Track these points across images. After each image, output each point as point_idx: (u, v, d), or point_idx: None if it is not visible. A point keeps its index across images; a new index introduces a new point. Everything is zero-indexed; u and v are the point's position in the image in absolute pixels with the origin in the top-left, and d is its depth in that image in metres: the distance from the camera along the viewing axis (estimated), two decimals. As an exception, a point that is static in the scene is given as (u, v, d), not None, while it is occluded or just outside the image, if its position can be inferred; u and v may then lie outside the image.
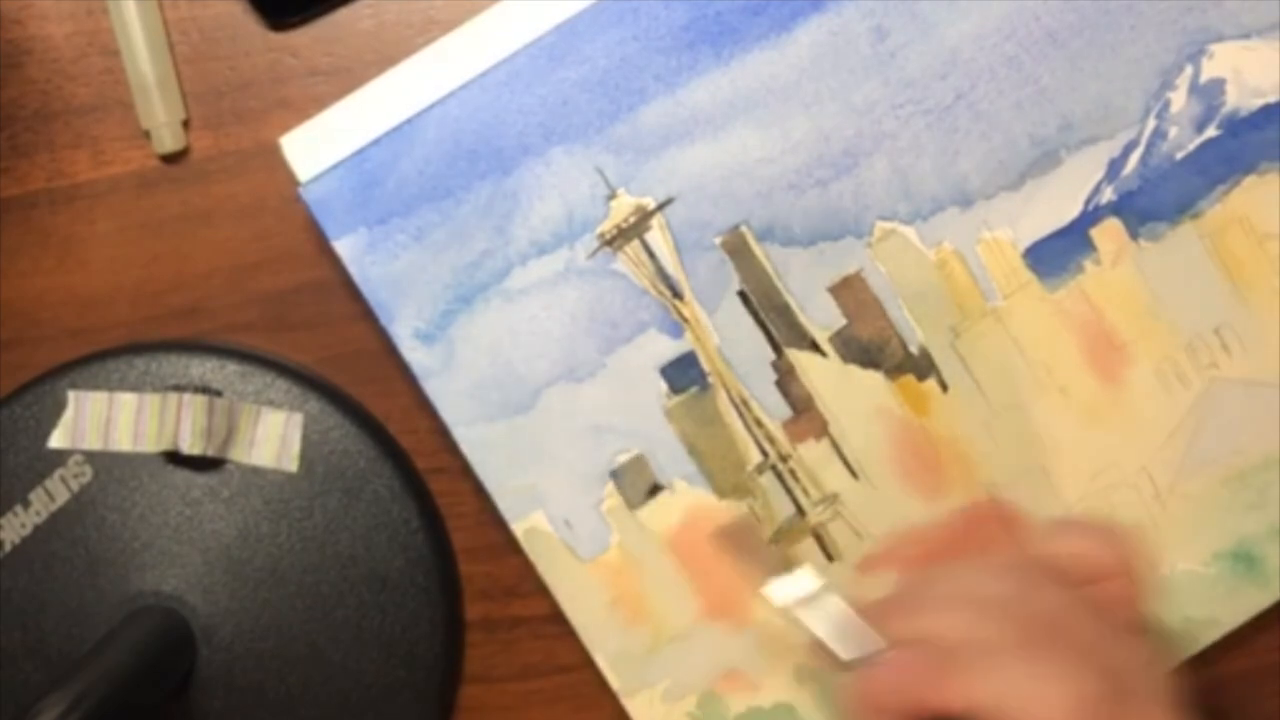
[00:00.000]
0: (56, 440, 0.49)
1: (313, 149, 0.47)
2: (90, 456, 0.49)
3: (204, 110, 0.50)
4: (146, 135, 0.50)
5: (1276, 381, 0.48)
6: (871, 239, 0.47)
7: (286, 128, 0.47)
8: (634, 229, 0.47)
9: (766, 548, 0.47)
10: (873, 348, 0.48)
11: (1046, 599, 0.39)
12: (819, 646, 0.39)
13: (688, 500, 0.48)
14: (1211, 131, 0.47)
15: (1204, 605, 0.48)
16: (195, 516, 0.49)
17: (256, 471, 0.49)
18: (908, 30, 0.47)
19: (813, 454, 0.48)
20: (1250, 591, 0.48)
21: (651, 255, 0.47)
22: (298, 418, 0.49)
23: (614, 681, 0.48)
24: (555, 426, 0.47)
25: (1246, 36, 0.47)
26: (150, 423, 0.48)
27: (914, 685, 0.37)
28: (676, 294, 0.47)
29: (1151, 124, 0.47)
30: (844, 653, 0.39)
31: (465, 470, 0.48)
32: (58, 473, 0.49)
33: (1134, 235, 0.47)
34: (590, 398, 0.47)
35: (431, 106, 0.46)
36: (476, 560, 0.50)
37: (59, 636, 0.48)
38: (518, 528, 0.48)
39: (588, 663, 0.48)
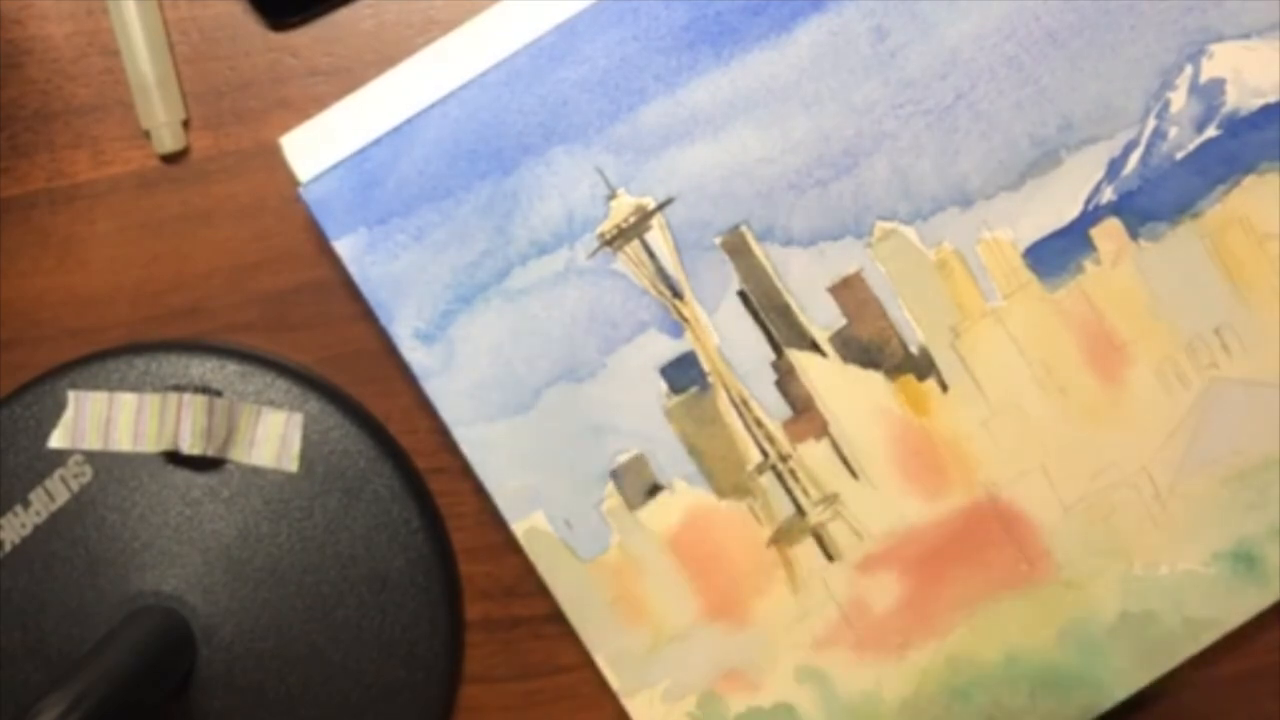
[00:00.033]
0: (56, 440, 0.49)
1: (313, 149, 0.47)
2: (90, 456, 0.49)
3: (204, 110, 0.50)
4: (146, 135, 0.50)
5: (1276, 381, 0.48)
6: (871, 239, 0.47)
7: (286, 128, 0.47)
8: (634, 229, 0.47)
9: None
10: (873, 348, 0.48)
11: None
12: None
13: (688, 500, 0.48)
14: (1211, 131, 0.47)
15: (1204, 605, 0.48)
16: (195, 516, 0.49)
17: (256, 471, 0.49)
18: (908, 30, 0.47)
19: (813, 454, 0.48)
20: (1250, 591, 0.48)
21: (651, 255, 0.47)
22: (298, 418, 0.49)
23: (614, 681, 0.48)
24: (555, 426, 0.47)
25: (1246, 36, 0.47)
26: (150, 423, 0.48)
27: None
28: (676, 294, 0.47)
29: (1151, 124, 0.47)
30: None
31: (465, 470, 0.48)
32: (58, 473, 0.49)
33: (1134, 235, 0.47)
34: (590, 398, 0.47)
35: (431, 106, 0.46)
36: (476, 560, 0.50)
37: (59, 636, 0.48)
38: (518, 528, 0.48)
39: (588, 663, 0.48)
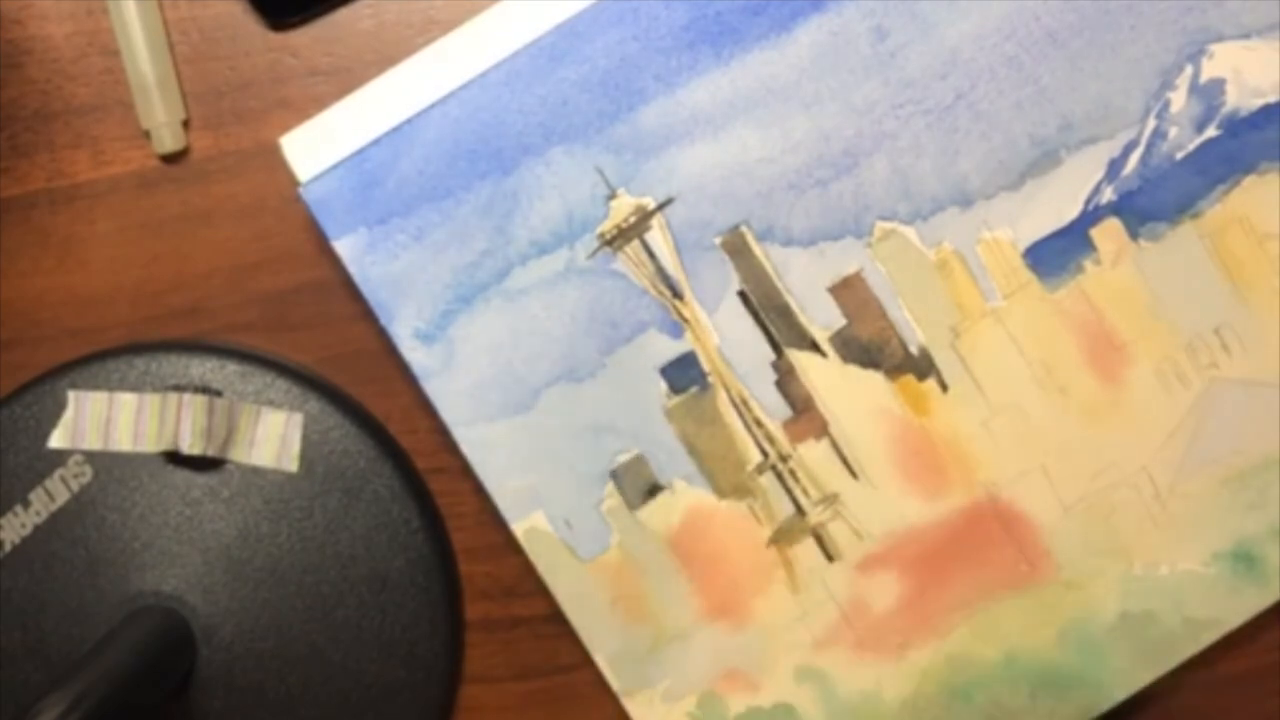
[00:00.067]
0: (56, 440, 0.49)
1: (313, 149, 0.47)
2: (90, 456, 0.49)
3: (204, 110, 0.50)
4: (146, 135, 0.50)
5: (1276, 381, 0.48)
6: (871, 239, 0.47)
7: (286, 128, 0.47)
8: (634, 229, 0.47)
9: None
10: (873, 348, 0.48)
11: None
12: None
13: (688, 500, 0.48)
14: (1211, 131, 0.47)
15: (1204, 605, 0.48)
16: (195, 516, 0.49)
17: (256, 471, 0.49)
18: (908, 30, 0.47)
19: (813, 454, 0.48)
20: (1250, 591, 0.48)
21: (651, 255, 0.47)
22: (298, 418, 0.49)
23: (614, 681, 0.48)
24: (555, 426, 0.47)
25: (1246, 36, 0.47)
26: (150, 423, 0.48)
27: None
28: (676, 294, 0.47)
29: (1151, 124, 0.47)
30: None
31: (465, 470, 0.48)
32: (58, 473, 0.49)
33: (1134, 235, 0.47)
34: (590, 398, 0.47)
35: (431, 106, 0.46)
36: (476, 560, 0.50)
37: (59, 636, 0.48)
38: (518, 528, 0.48)
39: (588, 663, 0.48)
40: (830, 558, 0.48)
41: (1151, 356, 0.48)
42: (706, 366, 0.47)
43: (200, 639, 0.48)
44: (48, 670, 0.48)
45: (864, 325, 0.47)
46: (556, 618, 0.48)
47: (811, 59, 0.47)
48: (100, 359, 0.49)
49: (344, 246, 0.47)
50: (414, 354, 0.47)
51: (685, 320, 0.47)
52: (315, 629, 0.49)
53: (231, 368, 0.49)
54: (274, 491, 0.49)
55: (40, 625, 0.48)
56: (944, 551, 0.48)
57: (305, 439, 0.49)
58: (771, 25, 0.47)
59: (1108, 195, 0.47)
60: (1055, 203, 0.47)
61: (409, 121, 0.46)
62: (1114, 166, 0.47)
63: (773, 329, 0.47)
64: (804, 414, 0.48)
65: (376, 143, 0.46)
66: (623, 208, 0.47)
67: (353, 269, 0.47)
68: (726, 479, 0.48)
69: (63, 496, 0.49)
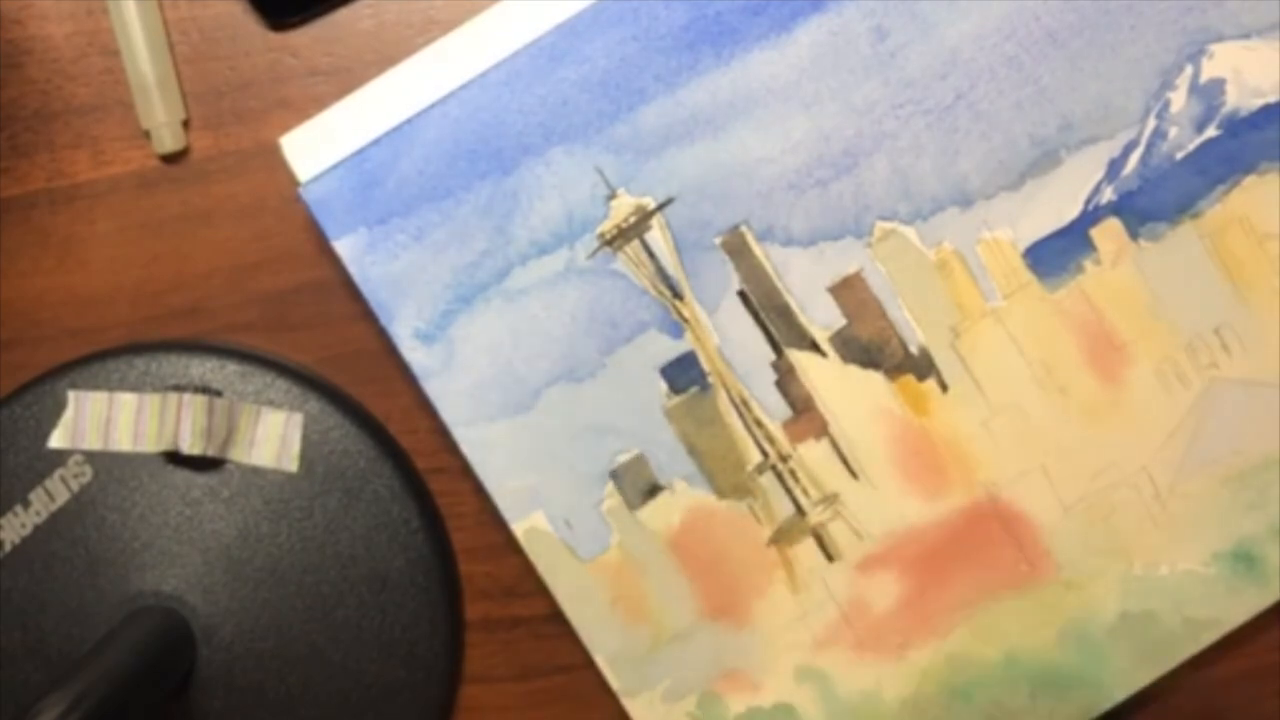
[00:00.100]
0: (56, 440, 0.49)
1: (313, 149, 0.47)
2: (90, 456, 0.49)
3: (204, 110, 0.50)
4: (146, 135, 0.50)
5: (1276, 381, 0.48)
6: (871, 239, 0.47)
7: (286, 128, 0.47)
8: (634, 229, 0.47)
9: None
10: (873, 348, 0.48)
11: None
12: None
13: (688, 500, 0.48)
14: (1211, 131, 0.47)
15: (1204, 605, 0.48)
16: (195, 516, 0.49)
17: (256, 471, 0.49)
18: (908, 30, 0.47)
19: (813, 454, 0.48)
20: (1250, 591, 0.48)
21: (651, 255, 0.47)
22: (298, 418, 0.49)
23: (614, 681, 0.48)
24: (555, 426, 0.47)
25: (1246, 36, 0.47)
26: (150, 423, 0.48)
27: None
28: (676, 294, 0.47)
29: (1151, 124, 0.47)
30: None
31: (465, 470, 0.48)
32: (58, 473, 0.49)
33: (1134, 235, 0.47)
34: (590, 398, 0.47)
35: (431, 106, 0.46)
36: (476, 560, 0.50)
37: (59, 636, 0.48)
38: (518, 528, 0.48)
39: (588, 663, 0.48)
40: (830, 558, 0.48)
41: (1151, 356, 0.48)
42: (706, 366, 0.47)
43: (200, 639, 0.48)
44: (48, 670, 0.48)
45: (864, 325, 0.47)
46: (556, 618, 0.48)
47: (811, 59, 0.47)
48: (100, 359, 0.49)
49: (344, 246, 0.47)
50: (414, 354, 0.47)
51: (685, 320, 0.47)
52: (315, 629, 0.49)
53: (231, 368, 0.49)
54: (274, 491, 0.49)
55: (40, 625, 0.48)
56: (944, 551, 0.48)
57: (305, 439, 0.49)
58: (771, 25, 0.47)
59: (1108, 195, 0.47)
60: (1055, 203, 0.47)
61: (409, 121, 0.46)
62: (1114, 166, 0.47)
63: (773, 329, 0.47)
64: (804, 414, 0.48)
65: (376, 143, 0.46)
66: (623, 208, 0.47)
67: (353, 269, 0.47)
68: (726, 479, 0.48)
69: (63, 496, 0.49)
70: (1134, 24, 0.47)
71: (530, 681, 0.50)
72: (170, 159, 0.50)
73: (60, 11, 0.50)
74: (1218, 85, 0.47)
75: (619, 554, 0.48)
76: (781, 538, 0.48)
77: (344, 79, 0.49)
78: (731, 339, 0.47)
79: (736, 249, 0.47)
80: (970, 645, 0.48)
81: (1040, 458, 0.48)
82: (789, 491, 0.48)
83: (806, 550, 0.48)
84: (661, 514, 0.48)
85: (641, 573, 0.48)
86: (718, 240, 0.47)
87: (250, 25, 0.50)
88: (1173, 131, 0.47)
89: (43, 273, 0.50)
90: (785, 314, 0.47)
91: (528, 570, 0.48)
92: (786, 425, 0.48)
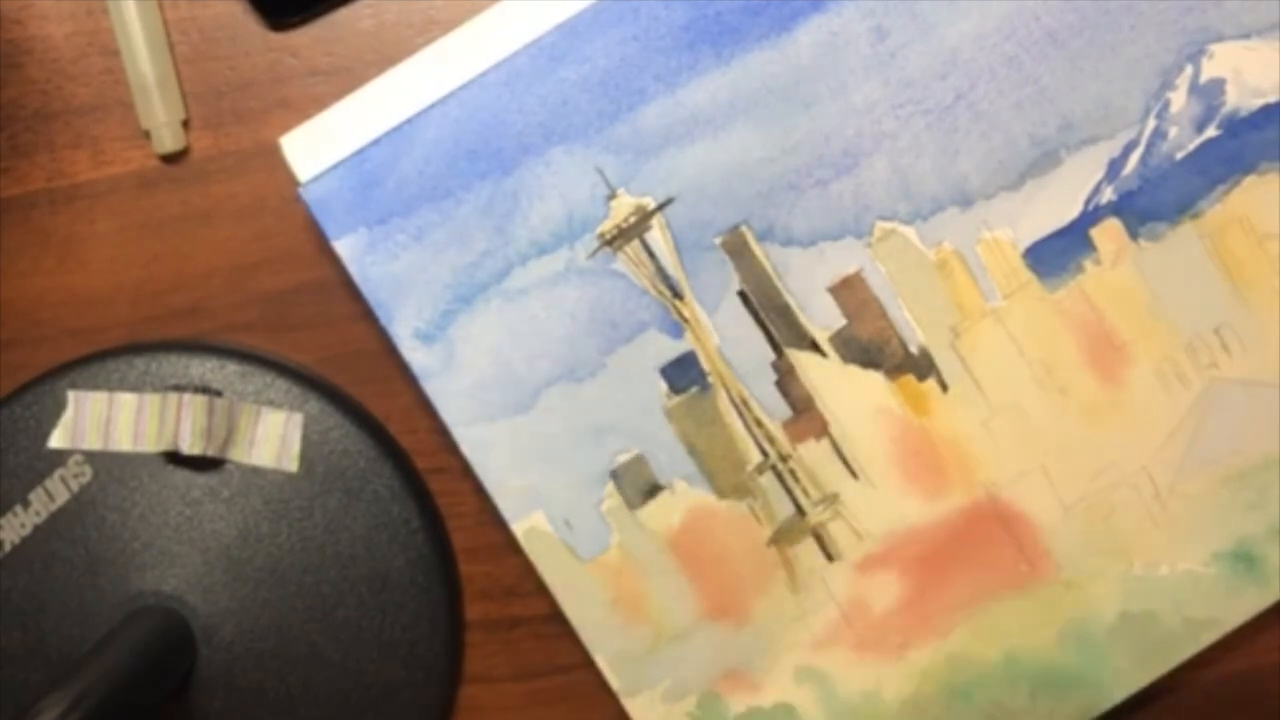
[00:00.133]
0: (56, 440, 0.49)
1: (313, 149, 0.47)
2: (90, 456, 0.49)
3: (204, 110, 0.50)
4: (146, 135, 0.50)
5: (1276, 381, 0.48)
6: (871, 239, 0.47)
7: (286, 128, 0.47)
8: (634, 229, 0.47)
9: None
10: (873, 348, 0.48)
11: None
12: None
13: (688, 500, 0.48)
14: (1211, 131, 0.47)
15: (1204, 605, 0.48)
16: (195, 516, 0.49)
17: (256, 471, 0.49)
18: (908, 30, 0.47)
19: (813, 454, 0.48)
20: (1250, 591, 0.48)
21: (651, 255, 0.47)
22: (298, 418, 0.49)
23: (614, 681, 0.48)
24: (555, 426, 0.47)
25: (1246, 36, 0.47)
26: (150, 423, 0.48)
27: None
28: (676, 294, 0.47)
29: (1151, 124, 0.47)
30: None
31: (465, 470, 0.48)
32: (58, 473, 0.49)
33: (1134, 235, 0.47)
34: (590, 398, 0.47)
35: (431, 106, 0.46)
36: (476, 560, 0.50)
37: (59, 636, 0.48)
38: (518, 528, 0.48)
39: (588, 663, 0.48)
40: (830, 558, 0.48)
41: (1151, 356, 0.48)
42: (706, 366, 0.47)
43: (200, 639, 0.48)
44: (48, 670, 0.48)
45: (864, 325, 0.47)
46: (556, 618, 0.48)
47: (811, 59, 0.47)
48: (100, 359, 0.49)
49: (344, 246, 0.47)
50: (414, 354, 0.47)
51: (685, 320, 0.47)
52: (315, 629, 0.49)
53: (231, 368, 0.49)
54: (274, 491, 0.49)
55: (40, 625, 0.48)
56: (944, 551, 0.48)
57: (305, 439, 0.49)
58: (771, 25, 0.47)
59: (1108, 195, 0.47)
60: (1055, 203, 0.47)
61: (409, 121, 0.46)
62: (1114, 166, 0.47)
63: (773, 329, 0.47)
64: (804, 414, 0.48)
65: (376, 143, 0.46)
66: (623, 208, 0.47)
67: (353, 269, 0.47)
68: (726, 479, 0.48)
69: (63, 496, 0.49)
70: (1134, 24, 0.47)
71: (530, 681, 0.50)
72: (170, 159, 0.50)
73: (60, 11, 0.50)
74: (1218, 85, 0.47)
75: (619, 554, 0.48)
76: (781, 538, 0.48)
77: (344, 79, 0.49)
78: (731, 339, 0.47)
79: (736, 249, 0.47)
80: (970, 645, 0.48)
81: (1040, 458, 0.48)
82: (789, 491, 0.48)
83: (806, 550, 0.48)
84: (661, 514, 0.48)
85: (641, 573, 0.48)
86: (718, 240, 0.47)
87: (250, 25, 0.50)
88: (1173, 131, 0.47)
89: (43, 273, 0.50)
90: (785, 314, 0.47)
91: (528, 570, 0.48)
92: (786, 425, 0.48)
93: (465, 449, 0.47)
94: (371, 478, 0.49)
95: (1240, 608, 0.48)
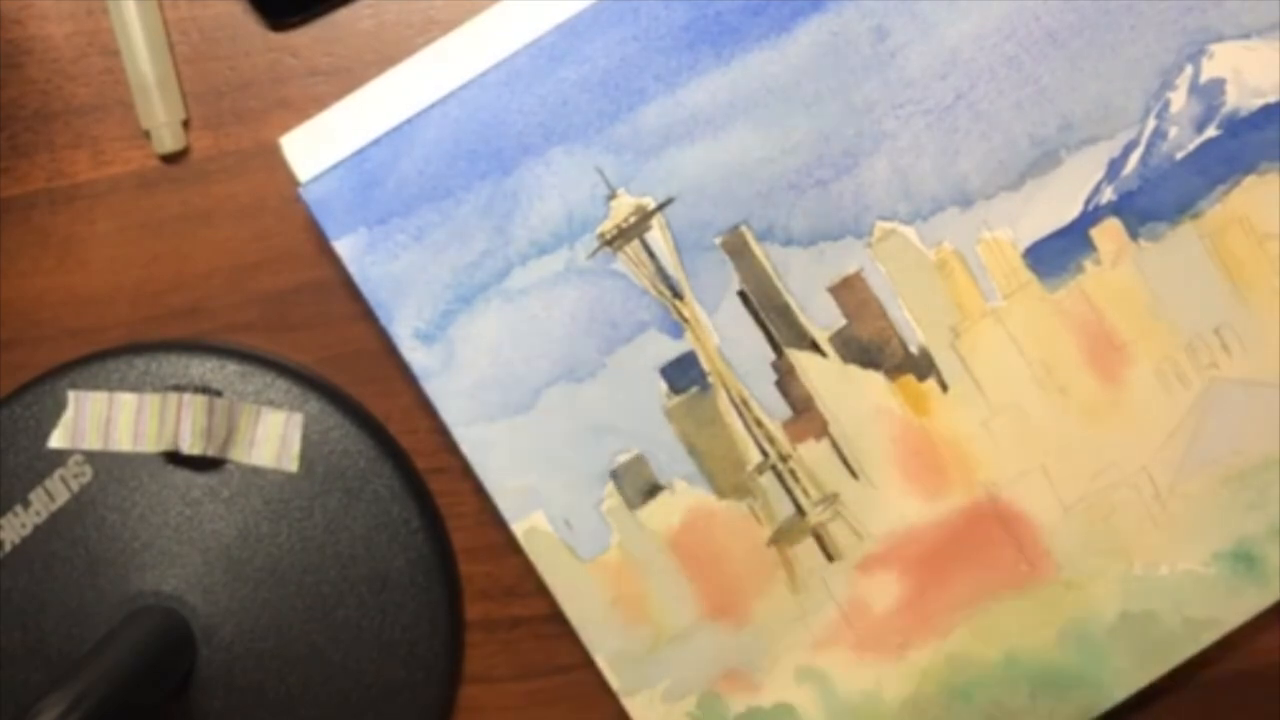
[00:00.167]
0: (56, 440, 0.49)
1: (313, 149, 0.47)
2: (90, 456, 0.49)
3: (204, 110, 0.50)
4: (146, 135, 0.50)
5: (1276, 381, 0.48)
6: (871, 239, 0.47)
7: (286, 128, 0.47)
8: (634, 229, 0.47)
9: None
10: (873, 348, 0.48)
11: None
12: None
13: (688, 500, 0.48)
14: (1211, 131, 0.47)
15: (1204, 605, 0.48)
16: (195, 516, 0.49)
17: (256, 471, 0.49)
18: (908, 30, 0.47)
19: (813, 454, 0.48)
20: (1250, 591, 0.48)
21: (651, 255, 0.47)
22: (298, 418, 0.49)
23: (614, 681, 0.48)
24: (555, 426, 0.47)
25: (1246, 36, 0.47)
26: (150, 423, 0.48)
27: None
28: (676, 294, 0.47)
29: (1151, 124, 0.47)
30: None
31: (465, 470, 0.48)
32: (58, 473, 0.49)
33: (1134, 235, 0.47)
34: (590, 398, 0.47)
35: (431, 106, 0.46)
36: (476, 560, 0.50)
37: (59, 636, 0.48)
38: (518, 528, 0.48)
39: (588, 663, 0.48)
40: (830, 558, 0.48)
41: (1151, 356, 0.48)
42: (706, 366, 0.47)
43: (200, 639, 0.48)
44: (48, 670, 0.48)
45: (864, 325, 0.47)
46: (556, 618, 0.48)
47: (811, 59, 0.47)
48: (100, 359, 0.49)
49: (344, 246, 0.47)
50: (414, 354, 0.47)
51: (685, 320, 0.47)
52: (315, 629, 0.49)
53: (231, 368, 0.49)
54: (274, 491, 0.49)
55: (40, 625, 0.48)
56: (944, 551, 0.48)
57: (305, 439, 0.49)
58: (771, 25, 0.47)
59: (1108, 195, 0.47)
60: (1055, 203, 0.47)
61: (409, 121, 0.46)
62: (1114, 166, 0.47)
63: (773, 329, 0.47)
64: (804, 414, 0.48)
65: (376, 143, 0.46)
66: (623, 208, 0.47)
67: (353, 269, 0.47)
68: (726, 479, 0.48)
69: (63, 496, 0.49)
70: (1134, 24, 0.47)
71: (530, 681, 0.50)
72: (170, 159, 0.50)
73: (60, 11, 0.50)
74: (1218, 85, 0.47)
75: (619, 554, 0.48)
76: (781, 538, 0.48)
77: (344, 79, 0.49)
78: (731, 339, 0.47)
79: (736, 249, 0.47)
80: (970, 645, 0.48)
81: (1040, 458, 0.48)
82: (789, 491, 0.48)
83: (806, 550, 0.48)
84: (661, 514, 0.48)
85: (641, 573, 0.48)
86: (718, 240, 0.47)
87: (250, 25, 0.50)
88: (1173, 131, 0.47)
89: (43, 273, 0.50)
90: (785, 314, 0.47)
91: (528, 570, 0.48)
92: (786, 425, 0.48)
93: (465, 449, 0.47)
94: (371, 478, 0.49)
95: (1240, 608, 0.48)
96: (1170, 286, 0.47)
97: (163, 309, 0.50)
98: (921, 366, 0.48)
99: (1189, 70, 0.47)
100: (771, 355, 0.47)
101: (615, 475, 0.48)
